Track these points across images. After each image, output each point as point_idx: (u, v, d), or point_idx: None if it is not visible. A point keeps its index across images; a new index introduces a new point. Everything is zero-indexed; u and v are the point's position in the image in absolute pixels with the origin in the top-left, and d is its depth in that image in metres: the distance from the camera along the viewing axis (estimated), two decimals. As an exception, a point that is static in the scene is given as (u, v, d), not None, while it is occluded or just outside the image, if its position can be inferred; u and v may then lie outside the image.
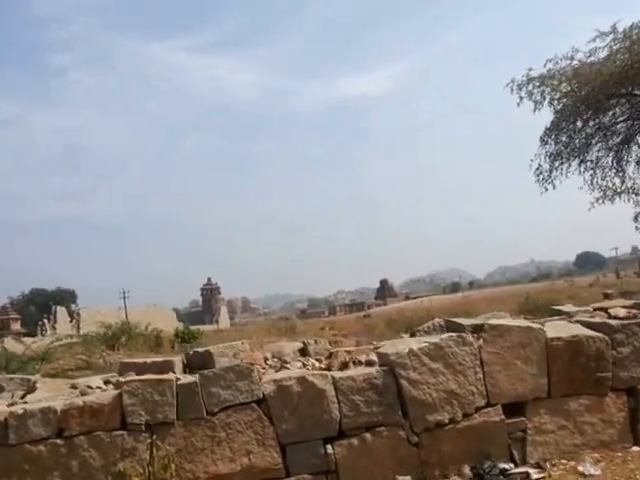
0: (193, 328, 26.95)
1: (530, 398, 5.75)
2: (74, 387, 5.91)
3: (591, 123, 14.85)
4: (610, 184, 15.37)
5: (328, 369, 6.11)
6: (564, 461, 5.67)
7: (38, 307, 65.67)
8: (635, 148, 15.43)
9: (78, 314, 58.37)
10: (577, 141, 14.95)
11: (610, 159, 15.28)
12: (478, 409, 5.61)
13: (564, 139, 14.85)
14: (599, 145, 15.28)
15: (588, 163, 15.35)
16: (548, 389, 5.80)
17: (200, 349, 6.97)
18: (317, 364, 6.64)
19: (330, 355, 7.28)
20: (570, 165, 15.14)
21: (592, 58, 14.34)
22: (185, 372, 6.81)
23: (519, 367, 5.76)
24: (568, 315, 7.64)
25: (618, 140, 15.25)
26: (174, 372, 6.51)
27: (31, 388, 6.18)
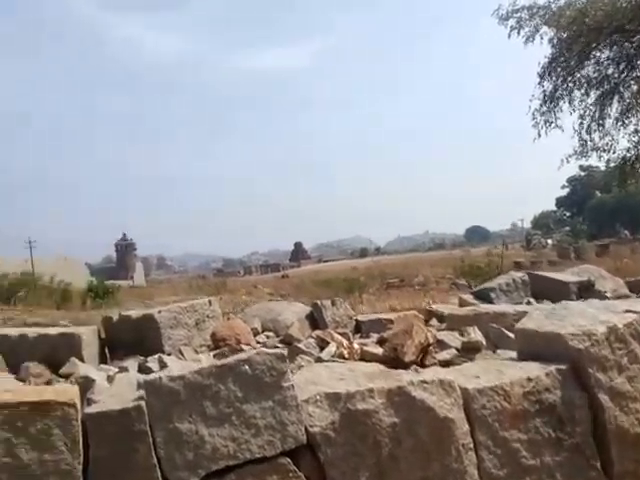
0: (108, 283, 22.53)
1: None
2: None
3: (583, 65, 12.18)
4: (590, 138, 12.84)
5: (398, 361, 2.87)
6: None
7: None
8: (616, 101, 12.94)
9: (-21, 265, 51.10)
10: (567, 85, 12.27)
11: (595, 110, 12.71)
12: None
13: (558, 79, 12.09)
14: (585, 92, 12.66)
15: (576, 111, 12.70)
16: None
17: (132, 312, 3.52)
18: (356, 346, 3.40)
19: (359, 326, 4.07)
20: (561, 110, 12.42)
21: None
22: (104, 359, 3.35)
23: None
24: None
25: (603, 90, 12.69)
26: (82, 358, 3.05)
27: None
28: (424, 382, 2.14)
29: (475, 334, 3.09)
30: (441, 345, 3.22)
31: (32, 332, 3.17)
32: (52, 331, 3.20)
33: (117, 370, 2.92)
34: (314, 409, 2.02)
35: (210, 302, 3.75)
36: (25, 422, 1.64)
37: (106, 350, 3.42)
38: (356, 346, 3.36)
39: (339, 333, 3.80)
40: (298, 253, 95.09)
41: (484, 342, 3.09)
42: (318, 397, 2.07)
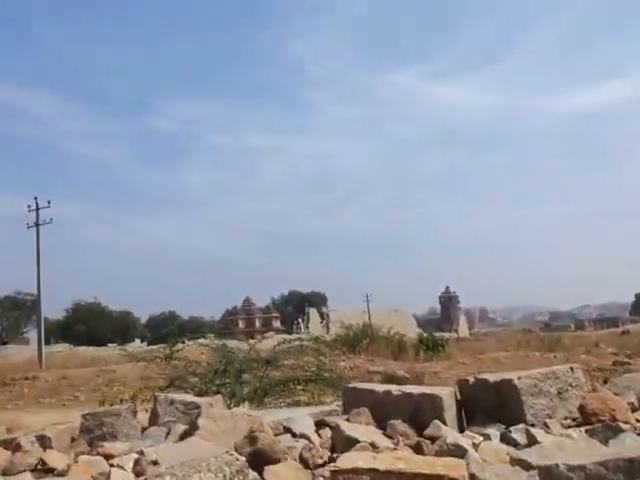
0: (437, 335, 23.27)
1: None
2: (252, 436, 2.76)
3: None
4: None
5: None
6: None
7: (295, 307, 68.32)
8: None
9: (328, 315, 58.80)
10: None
11: None
12: None
13: None
14: None
15: None
16: None
17: (489, 376, 3.38)
18: None
19: None
20: None
21: None
22: (461, 423, 3.27)
23: None
24: None
25: None
26: (444, 421, 3.03)
27: (191, 425, 3.22)
28: None
29: None
30: None
31: (395, 389, 3.30)
32: (414, 390, 3.28)
33: (481, 438, 2.79)
34: None
35: (572, 369, 3.36)
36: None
37: (462, 413, 3.34)
38: None
39: None
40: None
41: None
42: None
